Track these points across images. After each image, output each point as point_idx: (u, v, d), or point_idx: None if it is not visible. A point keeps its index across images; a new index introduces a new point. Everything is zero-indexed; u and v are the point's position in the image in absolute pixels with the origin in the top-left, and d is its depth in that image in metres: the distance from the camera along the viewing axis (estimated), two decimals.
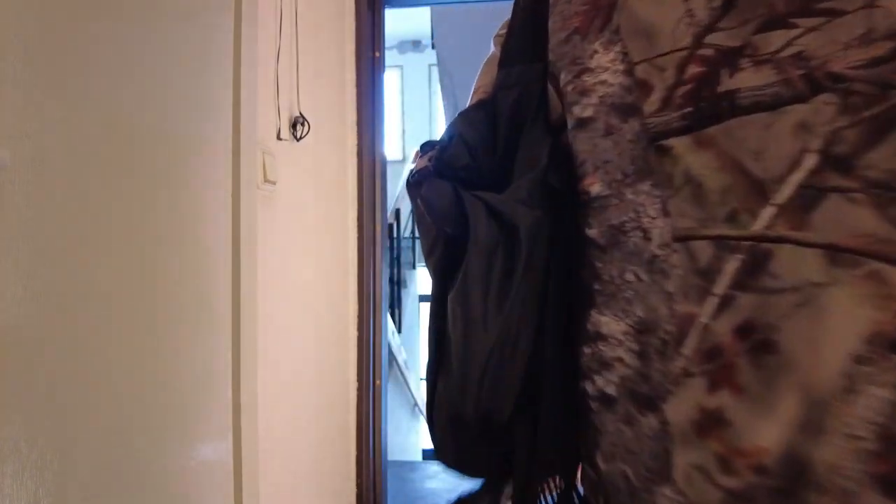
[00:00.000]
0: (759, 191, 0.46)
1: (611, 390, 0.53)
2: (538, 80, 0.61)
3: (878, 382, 0.40)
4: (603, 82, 0.54)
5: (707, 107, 0.49)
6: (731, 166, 0.47)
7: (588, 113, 0.55)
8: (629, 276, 0.52)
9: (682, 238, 0.49)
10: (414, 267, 6.98)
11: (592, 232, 0.55)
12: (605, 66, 0.54)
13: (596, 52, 0.55)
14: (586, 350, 0.55)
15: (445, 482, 3.30)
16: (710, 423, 0.46)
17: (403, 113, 8.68)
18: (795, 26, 0.46)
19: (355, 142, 2.46)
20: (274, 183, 1.74)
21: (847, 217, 0.42)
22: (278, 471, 1.75)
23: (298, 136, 1.94)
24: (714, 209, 0.48)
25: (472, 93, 0.69)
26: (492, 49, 0.69)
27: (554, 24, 0.60)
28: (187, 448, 1.25)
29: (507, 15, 0.67)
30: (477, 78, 0.69)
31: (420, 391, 6.39)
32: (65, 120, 0.96)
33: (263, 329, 1.57)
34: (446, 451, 0.62)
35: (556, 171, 0.58)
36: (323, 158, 2.19)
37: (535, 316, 0.56)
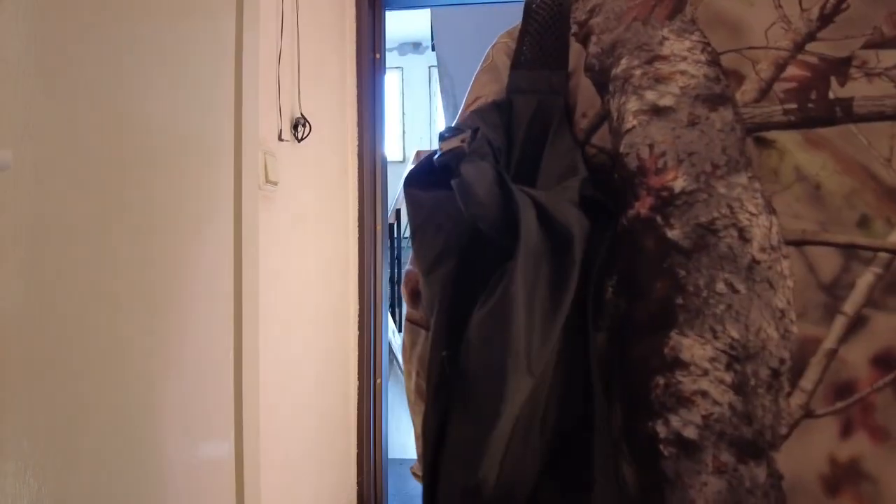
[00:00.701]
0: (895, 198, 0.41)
1: (690, 433, 0.43)
2: (562, 88, 0.55)
3: None
4: (683, 72, 0.49)
5: (816, 109, 0.44)
6: (857, 170, 0.42)
7: (667, 102, 0.49)
8: (720, 287, 0.43)
9: (798, 242, 0.42)
10: None
11: (675, 233, 0.46)
12: (682, 55, 0.49)
13: (666, 38, 0.50)
14: (659, 380, 0.44)
15: None
16: (844, 478, 0.38)
17: (403, 114, 8.68)
18: None
19: (356, 143, 2.47)
20: (275, 183, 1.75)
21: None
22: (279, 469, 1.75)
23: (300, 137, 1.94)
24: (839, 213, 0.42)
25: (465, 104, 0.62)
26: (490, 56, 0.63)
27: (602, 24, 0.56)
28: (189, 446, 1.26)
29: (507, 16, 0.66)
30: (471, 89, 0.63)
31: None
32: (66, 121, 0.96)
33: (264, 329, 1.58)
34: None
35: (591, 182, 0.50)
36: (324, 159, 2.20)
37: (579, 350, 0.45)
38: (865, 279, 0.40)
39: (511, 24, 0.66)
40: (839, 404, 0.39)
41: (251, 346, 1.46)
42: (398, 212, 6.03)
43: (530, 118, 0.54)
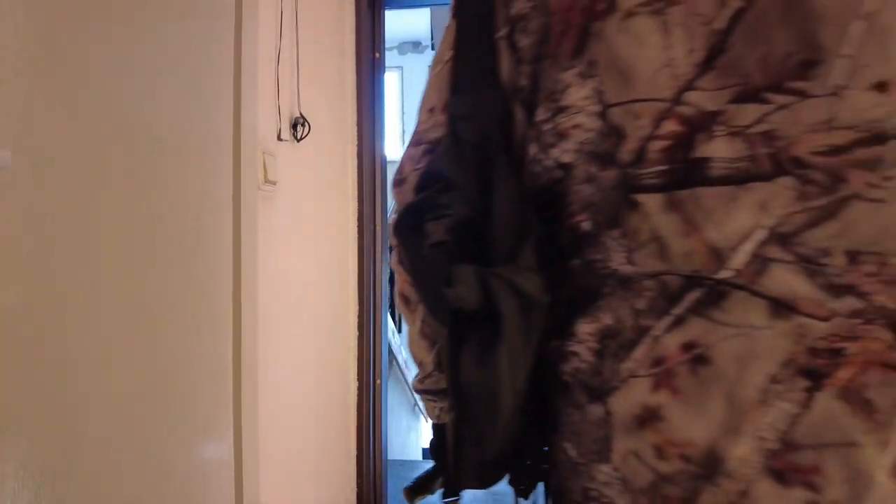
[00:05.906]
0: (719, 258, 0.53)
1: (567, 378, 0.61)
2: (498, 109, 0.62)
3: (786, 398, 0.50)
4: (578, 126, 0.57)
5: (679, 169, 0.53)
6: (695, 234, 0.53)
7: (567, 159, 0.58)
8: (605, 290, 0.58)
9: (652, 275, 0.56)
10: None
11: (575, 262, 0.60)
12: (580, 106, 0.57)
13: (569, 85, 0.57)
14: (555, 343, 0.62)
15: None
16: (649, 418, 0.55)
17: (403, 114, 8.68)
18: (768, 102, 0.51)
19: (355, 142, 2.47)
20: (274, 183, 1.74)
21: (788, 280, 0.51)
22: (278, 470, 1.75)
23: (299, 137, 1.94)
24: (678, 266, 0.54)
25: (429, 107, 0.68)
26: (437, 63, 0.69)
27: (529, 49, 0.60)
28: (188, 447, 1.26)
29: None
30: (431, 90, 0.68)
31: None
32: (66, 120, 0.96)
33: (264, 329, 1.58)
34: (469, 480, 0.69)
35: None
36: (323, 159, 2.19)
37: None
38: (693, 295, 0.53)
39: None
40: (653, 370, 0.54)
41: (250, 347, 1.46)
42: None
43: (475, 146, 0.62)
